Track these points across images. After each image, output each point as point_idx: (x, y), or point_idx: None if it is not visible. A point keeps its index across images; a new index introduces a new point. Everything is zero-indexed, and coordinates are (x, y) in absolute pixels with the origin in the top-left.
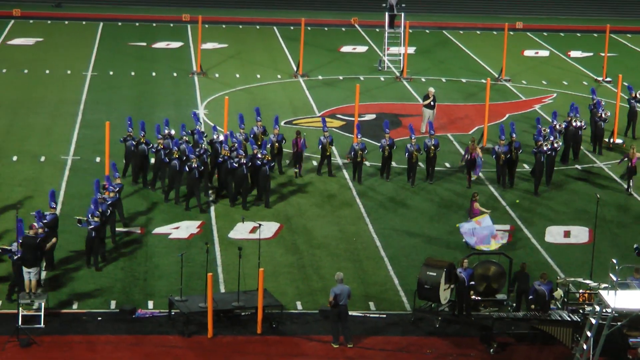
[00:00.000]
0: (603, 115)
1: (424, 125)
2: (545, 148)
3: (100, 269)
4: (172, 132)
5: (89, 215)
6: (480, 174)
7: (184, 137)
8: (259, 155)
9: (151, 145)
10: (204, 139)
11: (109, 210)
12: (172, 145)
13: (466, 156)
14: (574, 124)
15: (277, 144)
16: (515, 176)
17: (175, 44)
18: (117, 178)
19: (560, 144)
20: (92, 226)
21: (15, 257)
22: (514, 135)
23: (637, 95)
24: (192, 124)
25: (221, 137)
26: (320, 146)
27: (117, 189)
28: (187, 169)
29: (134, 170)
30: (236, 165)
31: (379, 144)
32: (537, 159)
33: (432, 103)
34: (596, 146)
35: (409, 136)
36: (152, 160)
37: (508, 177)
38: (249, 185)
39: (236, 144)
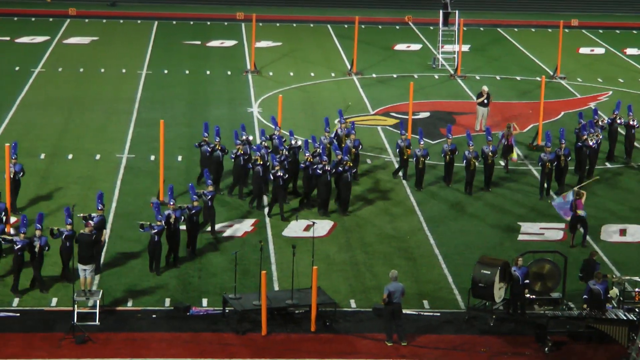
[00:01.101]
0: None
1: (478, 123)
2: (591, 142)
3: (161, 274)
4: (250, 137)
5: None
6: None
7: (264, 143)
8: (343, 161)
9: (227, 151)
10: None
11: (182, 217)
12: (254, 151)
13: (503, 141)
14: (618, 121)
15: (353, 150)
16: (565, 184)
17: (230, 43)
18: (209, 186)
19: (601, 137)
20: (155, 231)
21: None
22: (564, 142)
23: None
24: (251, 126)
25: (299, 142)
26: (397, 150)
27: (210, 196)
28: (272, 177)
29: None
30: (320, 172)
31: (441, 149)
32: (581, 153)
33: (485, 101)
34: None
35: (467, 142)
36: (219, 165)
37: (558, 186)
38: (332, 193)
39: (319, 149)
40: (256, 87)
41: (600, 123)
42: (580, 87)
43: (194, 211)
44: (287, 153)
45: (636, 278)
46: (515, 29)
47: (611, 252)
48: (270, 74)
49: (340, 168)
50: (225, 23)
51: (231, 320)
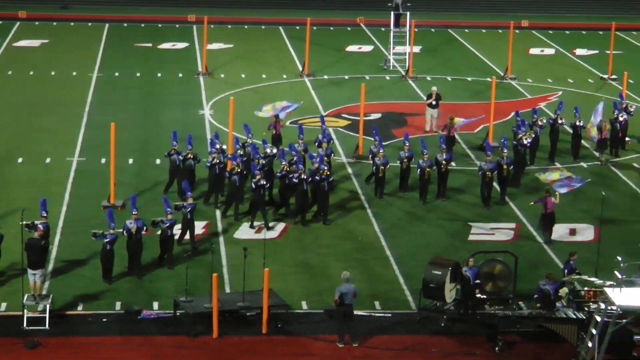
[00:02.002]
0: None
1: (428, 125)
2: (525, 141)
3: (112, 283)
4: (224, 146)
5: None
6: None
7: (239, 151)
8: (320, 170)
9: (199, 159)
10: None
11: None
12: (231, 159)
13: (445, 132)
14: (560, 121)
15: (326, 158)
16: (506, 193)
17: (181, 45)
18: (189, 198)
19: (530, 140)
20: (108, 239)
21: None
22: (505, 150)
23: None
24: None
25: (275, 150)
26: (370, 155)
27: (189, 209)
28: (253, 186)
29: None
30: (296, 181)
31: (398, 156)
32: (517, 151)
33: (434, 102)
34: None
35: (422, 151)
36: (192, 174)
37: (500, 195)
38: (310, 202)
39: (295, 158)
40: (208, 89)
41: (539, 122)
42: (531, 88)
43: (167, 224)
44: (263, 162)
45: (586, 277)
46: (466, 30)
47: (561, 251)
48: (222, 76)
49: (317, 177)
50: (177, 25)
51: (183, 323)
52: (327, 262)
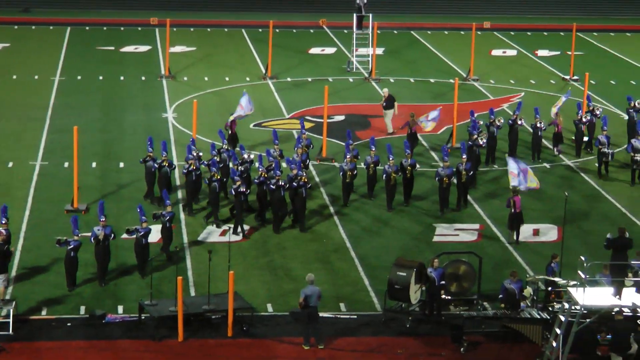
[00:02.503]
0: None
1: (390, 126)
2: (481, 142)
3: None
4: (201, 153)
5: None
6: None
7: (215, 157)
8: (298, 176)
9: (174, 166)
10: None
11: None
12: (210, 166)
13: (407, 130)
14: (519, 122)
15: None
16: (466, 199)
17: (144, 48)
18: (168, 206)
19: (485, 141)
20: (72, 246)
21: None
22: (464, 156)
23: (637, 104)
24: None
25: (252, 157)
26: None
27: (168, 217)
28: (233, 193)
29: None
30: (274, 187)
31: (364, 161)
32: (472, 151)
33: (384, 104)
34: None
35: (387, 157)
36: (168, 181)
37: (457, 201)
38: (288, 209)
39: (273, 164)
40: (171, 92)
41: (496, 122)
42: (493, 89)
43: (142, 232)
44: (241, 168)
45: (549, 277)
46: (429, 32)
47: (525, 251)
48: (185, 78)
49: (294, 183)
50: (139, 28)
51: (148, 327)
52: (291, 264)
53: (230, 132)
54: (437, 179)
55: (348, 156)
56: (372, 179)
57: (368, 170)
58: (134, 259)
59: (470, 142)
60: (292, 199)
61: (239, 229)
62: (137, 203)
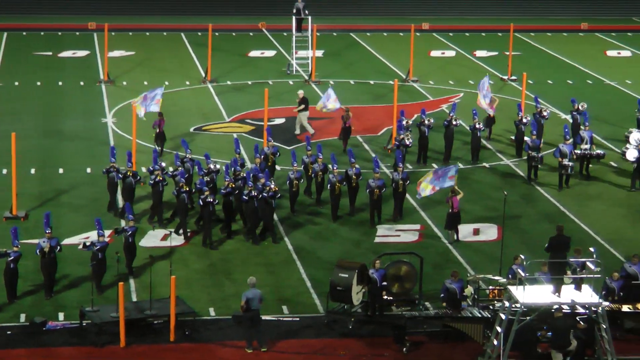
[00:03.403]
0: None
1: (309, 128)
2: (407, 142)
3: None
4: (164, 163)
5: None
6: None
7: (179, 168)
8: (266, 186)
9: (139, 177)
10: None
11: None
12: (178, 176)
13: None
14: (454, 122)
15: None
16: (402, 210)
17: (82, 53)
18: (130, 221)
19: (412, 141)
20: (12, 257)
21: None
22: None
23: (580, 107)
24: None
25: (218, 166)
26: (303, 166)
27: (130, 232)
28: (202, 203)
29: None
30: (246, 198)
31: (312, 170)
32: (397, 153)
33: (296, 109)
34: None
35: (331, 166)
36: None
37: (394, 211)
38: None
39: (243, 174)
40: (110, 97)
41: (426, 122)
42: (433, 90)
43: (98, 247)
44: (207, 178)
45: (490, 276)
46: (368, 34)
47: (465, 251)
48: (124, 83)
49: (265, 194)
50: (77, 33)
51: (89, 333)
52: (233, 267)
53: (157, 130)
54: (367, 190)
55: (294, 165)
56: (320, 186)
57: (316, 178)
58: (75, 268)
59: (397, 143)
60: (262, 209)
61: (208, 240)
62: (77, 209)
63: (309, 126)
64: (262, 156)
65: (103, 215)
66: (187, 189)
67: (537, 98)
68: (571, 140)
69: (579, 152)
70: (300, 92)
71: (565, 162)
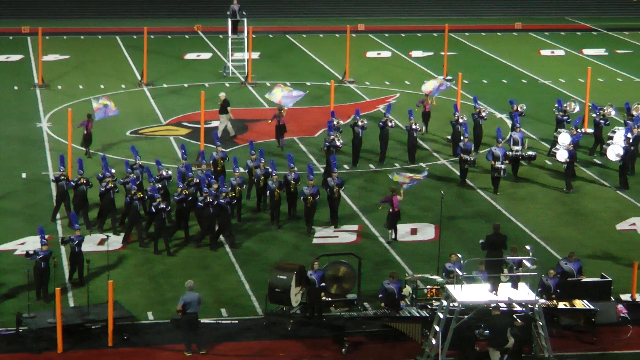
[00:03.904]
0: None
1: (232, 130)
2: (338, 143)
3: None
4: (113, 170)
5: None
6: None
7: (131, 175)
8: (221, 193)
9: (91, 184)
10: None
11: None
12: (130, 184)
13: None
14: (389, 124)
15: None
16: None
17: (15, 57)
18: (77, 230)
19: (342, 142)
20: (41, 256)
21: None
22: (336, 170)
23: (519, 108)
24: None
25: (170, 172)
26: (247, 170)
27: (77, 241)
28: (154, 210)
29: (66, 210)
30: (202, 204)
31: (255, 174)
32: (329, 152)
33: (220, 108)
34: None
35: (270, 172)
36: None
37: (330, 218)
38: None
39: (195, 179)
40: (45, 101)
41: (360, 123)
42: (369, 90)
43: (41, 256)
44: (159, 185)
45: (428, 275)
46: (304, 35)
47: (403, 251)
48: (59, 87)
49: (221, 200)
50: (11, 37)
51: (26, 339)
52: (171, 271)
53: (85, 132)
54: (302, 198)
55: (236, 171)
56: (261, 191)
57: (258, 183)
58: (11, 274)
59: (327, 143)
60: (217, 215)
61: (164, 247)
62: (12, 215)
63: (231, 129)
64: (212, 161)
65: (41, 221)
66: (141, 195)
67: (476, 98)
68: (503, 142)
69: (510, 153)
70: (222, 95)
71: (498, 164)
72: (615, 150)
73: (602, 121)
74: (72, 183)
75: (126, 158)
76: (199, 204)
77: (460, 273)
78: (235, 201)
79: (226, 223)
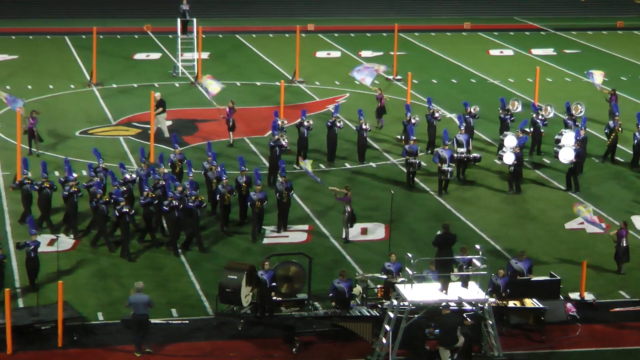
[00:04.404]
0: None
1: (166, 132)
2: (283, 142)
3: None
4: (75, 175)
5: None
6: None
7: (95, 178)
8: (190, 196)
9: (55, 188)
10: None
11: None
12: (95, 187)
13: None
14: (338, 124)
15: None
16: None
17: None
18: (33, 235)
19: (287, 141)
20: (31, 247)
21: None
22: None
23: (472, 110)
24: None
25: (134, 175)
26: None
27: (32, 247)
28: (117, 214)
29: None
30: (167, 208)
31: (205, 179)
32: (273, 151)
33: (156, 110)
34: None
35: (221, 177)
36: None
37: (278, 223)
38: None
39: (161, 182)
40: None
41: (305, 123)
42: (319, 90)
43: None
44: (124, 188)
45: (378, 275)
46: (254, 35)
47: (353, 250)
48: (8, 87)
49: (190, 203)
50: None
51: None
52: (121, 272)
53: (26, 128)
54: (249, 203)
55: (190, 175)
56: (214, 194)
57: (206, 177)
58: None
59: (272, 143)
60: (184, 218)
61: (126, 253)
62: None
63: (165, 130)
64: (169, 163)
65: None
66: (108, 199)
67: (429, 99)
68: (450, 144)
69: (456, 156)
70: (158, 95)
71: (445, 167)
72: (567, 155)
73: (539, 121)
74: (35, 187)
75: (75, 158)
76: (164, 207)
77: (410, 272)
78: (203, 205)
79: (194, 227)
